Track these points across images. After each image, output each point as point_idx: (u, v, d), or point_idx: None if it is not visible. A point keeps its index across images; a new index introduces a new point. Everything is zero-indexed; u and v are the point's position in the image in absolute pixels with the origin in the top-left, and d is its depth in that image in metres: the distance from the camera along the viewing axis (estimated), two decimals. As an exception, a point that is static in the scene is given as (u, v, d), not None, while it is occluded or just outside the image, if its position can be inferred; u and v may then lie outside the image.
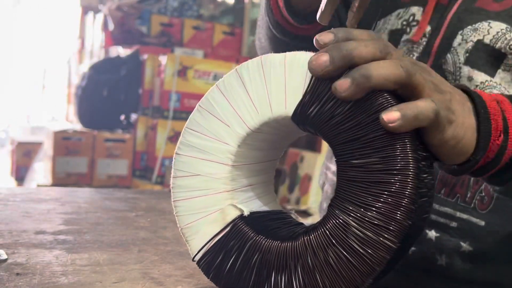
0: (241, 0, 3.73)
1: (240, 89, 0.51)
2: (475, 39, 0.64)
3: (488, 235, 0.63)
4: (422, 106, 0.43)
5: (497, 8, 0.65)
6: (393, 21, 0.72)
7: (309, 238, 0.47)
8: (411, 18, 0.70)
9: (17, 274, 0.57)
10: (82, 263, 0.62)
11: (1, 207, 0.91)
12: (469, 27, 0.65)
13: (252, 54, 3.46)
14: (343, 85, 0.43)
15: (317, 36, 0.45)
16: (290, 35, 0.76)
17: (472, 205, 0.64)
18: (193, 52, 3.21)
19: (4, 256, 0.62)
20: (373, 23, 0.75)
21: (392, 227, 0.43)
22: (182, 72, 2.89)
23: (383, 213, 0.43)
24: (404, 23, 0.71)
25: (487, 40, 0.63)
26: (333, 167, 0.80)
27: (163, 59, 2.92)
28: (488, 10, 0.65)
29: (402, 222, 0.43)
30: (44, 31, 6.72)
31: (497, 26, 0.63)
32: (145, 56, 3.06)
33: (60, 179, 2.91)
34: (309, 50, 0.48)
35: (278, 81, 0.49)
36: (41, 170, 3.24)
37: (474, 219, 0.64)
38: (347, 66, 0.44)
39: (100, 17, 3.58)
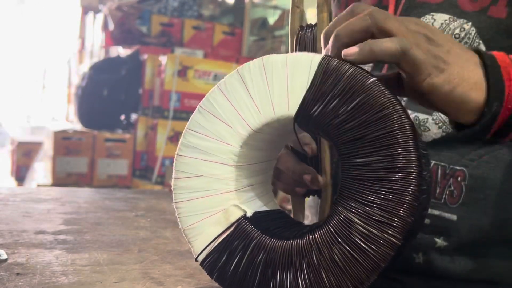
0: (241, 0, 3.73)
1: (242, 90, 0.51)
2: None
3: (461, 229, 0.63)
4: (383, 43, 0.46)
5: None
6: None
7: (314, 236, 0.47)
8: None
9: (17, 274, 0.57)
10: (82, 263, 0.62)
11: (1, 207, 0.90)
12: None
13: (252, 54, 3.46)
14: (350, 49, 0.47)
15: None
16: None
17: (443, 200, 0.64)
18: (193, 52, 3.21)
19: (4, 256, 0.62)
20: None
21: (396, 224, 0.43)
22: (182, 72, 2.89)
23: (387, 210, 0.44)
24: None
25: None
26: None
27: (163, 59, 2.92)
28: (431, 2, 0.65)
29: (405, 219, 0.43)
30: (45, 31, 6.72)
31: (440, 18, 0.64)
32: (145, 56, 3.06)
33: (60, 179, 2.91)
34: None
35: (280, 82, 0.49)
36: (41, 170, 3.24)
37: (446, 214, 0.64)
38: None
39: (100, 17, 3.58)
